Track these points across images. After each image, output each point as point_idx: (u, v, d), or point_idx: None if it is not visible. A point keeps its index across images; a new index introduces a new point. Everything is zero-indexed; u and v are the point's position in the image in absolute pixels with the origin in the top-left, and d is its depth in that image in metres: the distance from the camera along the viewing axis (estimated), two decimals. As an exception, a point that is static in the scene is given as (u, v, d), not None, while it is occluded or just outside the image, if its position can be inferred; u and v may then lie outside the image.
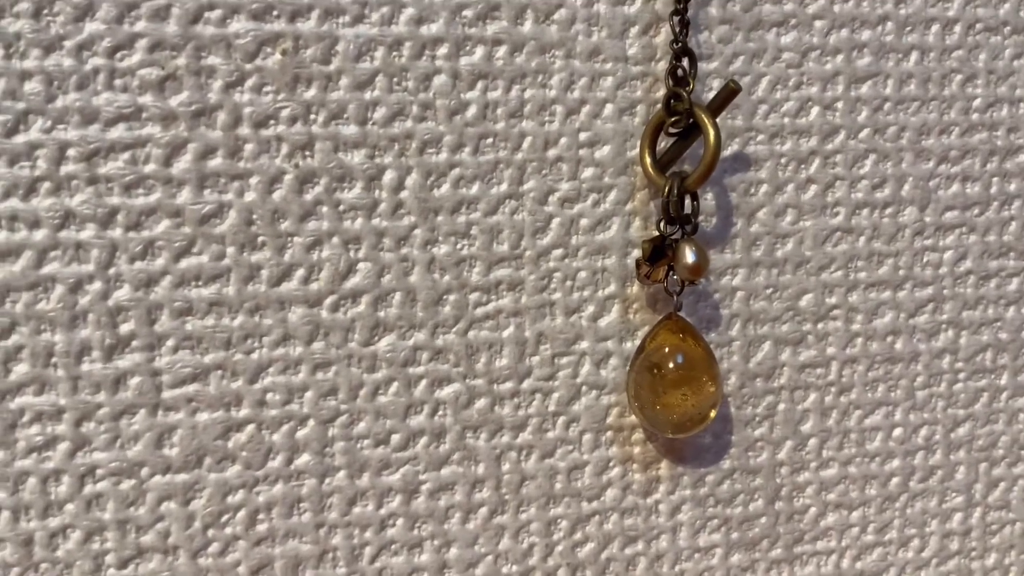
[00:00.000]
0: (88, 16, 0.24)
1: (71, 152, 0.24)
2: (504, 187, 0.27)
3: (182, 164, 0.25)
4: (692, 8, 0.27)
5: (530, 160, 0.27)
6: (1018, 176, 0.31)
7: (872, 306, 0.31)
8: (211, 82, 0.25)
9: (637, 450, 0.29)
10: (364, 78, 0.26)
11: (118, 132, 0.24)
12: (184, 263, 0.25)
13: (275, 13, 0.25)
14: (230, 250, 0.25)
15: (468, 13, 0.26)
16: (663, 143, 0.28)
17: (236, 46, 0.25)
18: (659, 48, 0.28)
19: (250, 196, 0.25)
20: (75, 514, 0.25)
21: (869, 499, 0.32)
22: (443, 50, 0.26)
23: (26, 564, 0.25)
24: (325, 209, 0.26)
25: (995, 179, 0.31)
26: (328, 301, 0.26)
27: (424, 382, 0.27)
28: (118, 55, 0.24)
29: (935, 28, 0.30)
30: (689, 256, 0.26)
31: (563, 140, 0.27)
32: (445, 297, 0.27)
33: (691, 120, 0.27)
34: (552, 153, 0.27)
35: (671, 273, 0.27)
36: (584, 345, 0.28)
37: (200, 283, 0.25)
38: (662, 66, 0.28)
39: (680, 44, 0.27)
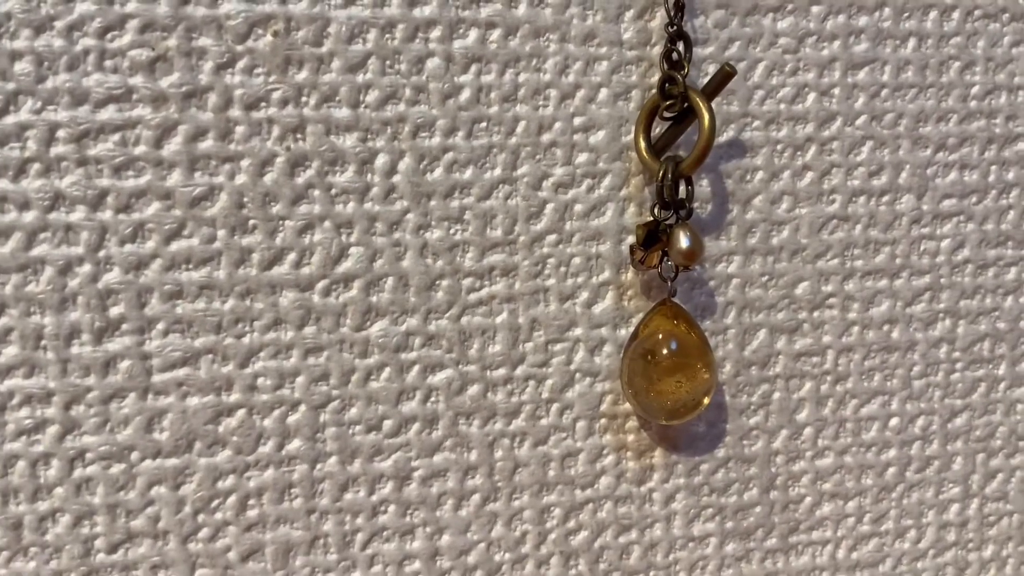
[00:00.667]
0: (78, -4, 0.24)
1: (61, 133, 0.24)
2: (498, 172, 0.27)
3: (173, 146, 0.25)
4: (688, -8, 0.27)
5: (524, 145, 0.27)
6: (1016, 164, 0.31)
7: (869, 294, 0.30)
8: (202, 63, 0.25)
9: (631, 438, 0.29)
10: (356, 60, 0.25)
11: (108, 113, 0.24)
12: (174, 246, 0.25)
13: (267, -6, 0.25)
14: (221, 233, 0.25)
15: (462, -4, 0.26)
16: (658, 128, 0.27)
17: (227, 27, 0.25)
18: (654, 32, 0.27)
19: (241, 179, 0.25)
20: (64, 498, 0.25)
21: (865, 489, 0.32)
22: (436, 33, 0.26)
23: (15, 548, 0.25)
24: (317, 192, 0.26)
25: (993, 167, 0.31)
26: (320, 285, 0.26)
27: (417, 368, 0.27)
28: (108, 36, 0.24)
29: (933, 14, 0.30)
30: (683, 241, 0.26)
31: (557, 125, 0.27)
32: (438, 282, 0.27)
33: (686, 104, 0.26)
34: (546, 138, 0.27)
35: (665, 259, 0.27)
36: (578, 332, 0.28)
37: (191, 266, 0.25)
38: (657, 50, 0.27)
39: (675, 27, 0.26)
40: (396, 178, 0.26)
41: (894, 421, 0.31)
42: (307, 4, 0.25)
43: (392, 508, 0.28)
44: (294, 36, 0.25)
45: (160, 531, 0.26)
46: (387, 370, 0.27)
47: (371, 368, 0.27)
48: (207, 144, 0.25)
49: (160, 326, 0.25)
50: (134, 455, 0.26)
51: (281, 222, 0.26)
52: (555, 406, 0.28)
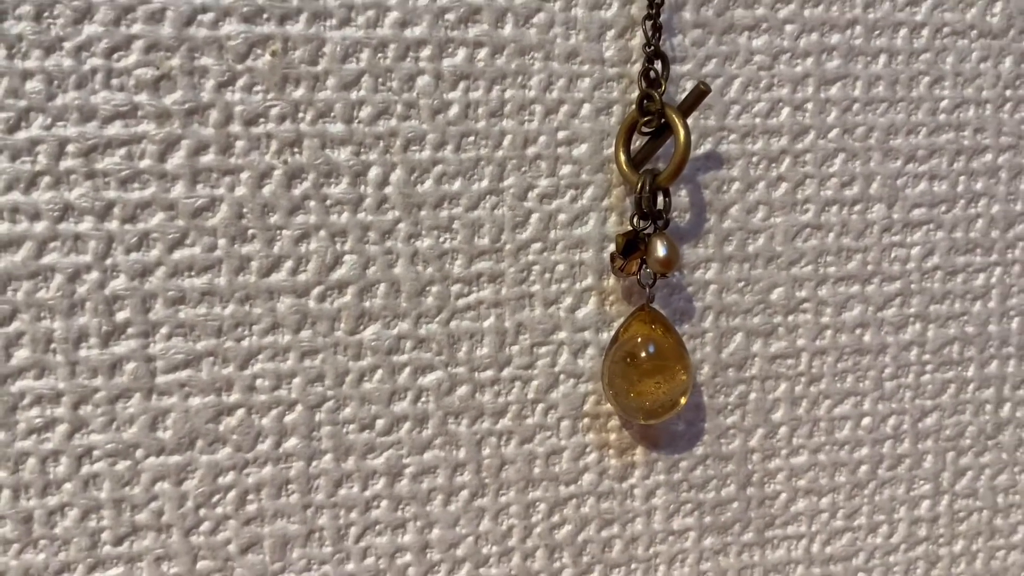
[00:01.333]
0: (87, 18, 0.25)
1: (70, 148, 0.25)
2: (485, 183, 0.28)
3: (176, 160, 0.26)
4: (667, 12, 0.28)
5: (510, 157, 0.28)
6: (984, 175, 0.32)
7: (841, 300, 0.32)
8: (204, 82, 0.26)
9: (613, 436, 0.31)
10: (350, 78, 0.27)
11: (115, 129, 0.25)
12: (177, 254, 0.26)
13: (265, 16, 0.26)
14: (221, 242, 0.27)
15: (450, 16, 0.27)
16: (637, 142, 0.29)
17: (228, 47, 0.26)
18: (635, 51, 0.29)
19: (241, 191, 0.26)
20: (72, 493, 0.27)
21: (839, 486, 0.33)
22: (426, 52, 0.27)
23: (25, 541, 0.27)
24: (313, 203, 0.27)
25: (961, 178, 0.32)
26: (315, 291, 0.27)
27: (408, 370, 0.29)
28: (115, 56, 0.25)
29: (903, 32, 0.31)
30: (660, 250, 0.27)
31: (542, 138, 0.28)
32: (428, 288, 0.28)
33: (663, 120, 0.28)
34: (531, 151, 0.28)
35: (644, 266, 0.28)
36: (562, 335, 0.30)
37: (193, 273, 0.27)
38: (637, 68, 0.29)
39: (652, 48, 0.28)
40: (388, 189, 0.27)
41: (866, 421, 0.33)
42: (304, 25, 0.26)
43: (384, 503, 0.29)
44: (291, 55, 0.26)
45: (163, 525, 0.27)
46: (379, 372, 0.28)
47: (364, 370, 0.28)
48: (208, 158, 0.26)
49: (164, 330, 0.27)
50: (139, 452, 0.27)
51: (279, 231, 0.27)
52: (540, 406, 0.30)
